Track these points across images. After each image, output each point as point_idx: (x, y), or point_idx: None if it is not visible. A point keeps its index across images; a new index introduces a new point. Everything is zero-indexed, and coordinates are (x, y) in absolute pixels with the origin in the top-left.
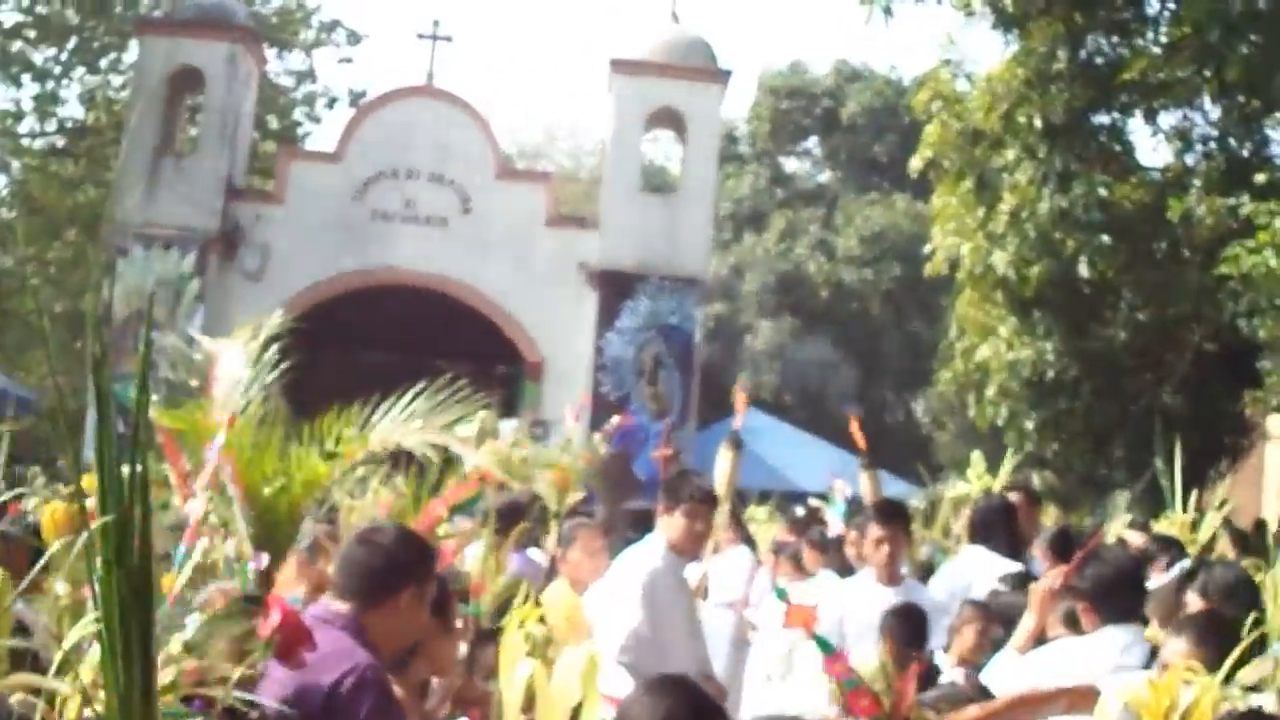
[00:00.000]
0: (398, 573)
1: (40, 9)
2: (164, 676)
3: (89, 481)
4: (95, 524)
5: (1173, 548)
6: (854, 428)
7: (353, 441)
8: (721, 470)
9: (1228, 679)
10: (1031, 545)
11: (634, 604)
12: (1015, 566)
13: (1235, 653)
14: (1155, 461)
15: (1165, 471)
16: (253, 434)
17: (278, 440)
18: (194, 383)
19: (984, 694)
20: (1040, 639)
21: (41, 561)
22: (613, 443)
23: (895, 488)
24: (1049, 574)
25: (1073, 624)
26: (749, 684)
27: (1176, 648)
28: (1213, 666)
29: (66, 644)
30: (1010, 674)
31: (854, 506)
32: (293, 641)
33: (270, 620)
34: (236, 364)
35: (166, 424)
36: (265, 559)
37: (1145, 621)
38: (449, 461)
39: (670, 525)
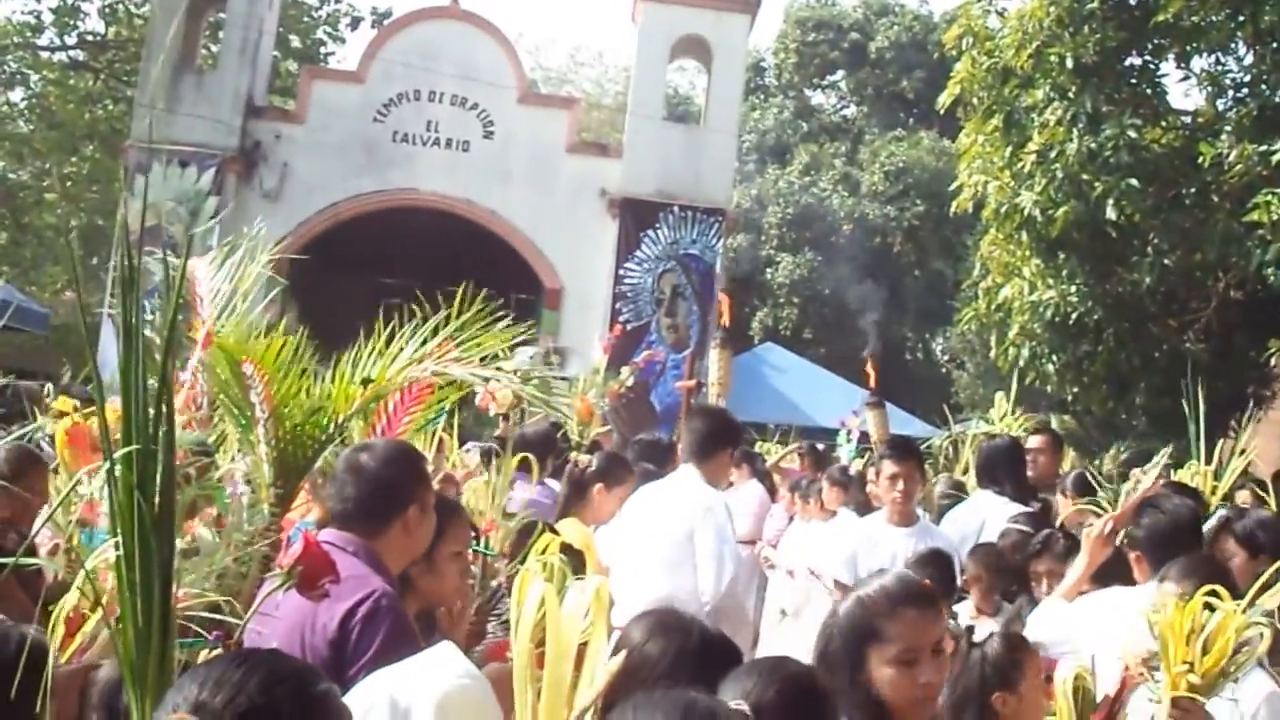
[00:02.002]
0: (396, 496)
1: None
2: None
3: (113, 412)
4: (119, 452)
5: (1194, 498)
6: (869, 373)
7: (390, 369)
8: (715, 373)
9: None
10: (1043, 488)
11: (729, 551)
12: (1024, 510)
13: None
14: (1183, 406)
15: (1191, 417)
16: (281, 356)
17: (303, 363)
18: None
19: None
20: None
21: (73, 484)
22: (641, 375)
23: (913, 428)
24: (1098, 521)
25: (1100, 578)
26: (764, 620)
27: (1169, 590)
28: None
29: (85, 568)
30: (1056, 623)
31: (864, 443)
32: (316, 573)
33: (291, 550)
34: (220, 282)
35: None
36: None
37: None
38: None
39: (726, 473)
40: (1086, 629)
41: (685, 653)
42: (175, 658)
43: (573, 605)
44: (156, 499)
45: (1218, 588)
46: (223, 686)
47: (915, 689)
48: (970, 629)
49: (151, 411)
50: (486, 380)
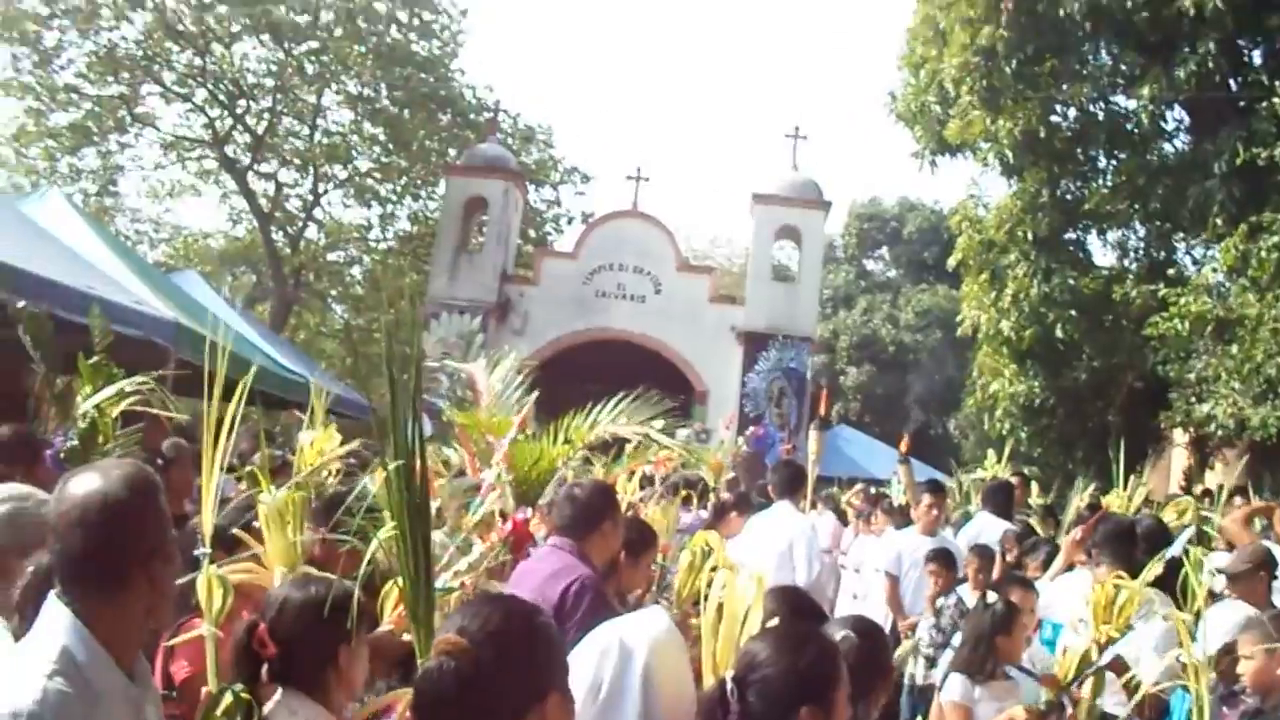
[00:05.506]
0: (597, 512)
1: (383, 159)
2: (454, 580)
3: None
4: (391, 465)
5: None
6: (902, 443)
7: (580, 432)
8: (812, 446)
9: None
10: (1021, 513)
11: (815, 555)
12: (1011, 526)
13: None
14: (1108, 456)
15: (1114, 463)
16: (509, 429)
17: (529, 433)
18: (469, 394)
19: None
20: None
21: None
22: (752, 444)
23: (933, 476)
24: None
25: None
26: (840, 601)
27: (1100, 574)
28: (1121, 567)
29: (375, 543)
30: (1044, 594)
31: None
32: (520, 541)
33: (504, 528)
34: (494, 383)
35: (460, 422)
36: (528, 510)
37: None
38: (638, 450)
39: (803, 503)
40: (1063, 597)
41: (784, 608)
42: (435, 600)
43: (741, 586)
44: (416, 495)
45: (1122, 572)
46: (478, 616)
47: None
48: (985, 597)
49: (408, 443)
50: (644, 439)
